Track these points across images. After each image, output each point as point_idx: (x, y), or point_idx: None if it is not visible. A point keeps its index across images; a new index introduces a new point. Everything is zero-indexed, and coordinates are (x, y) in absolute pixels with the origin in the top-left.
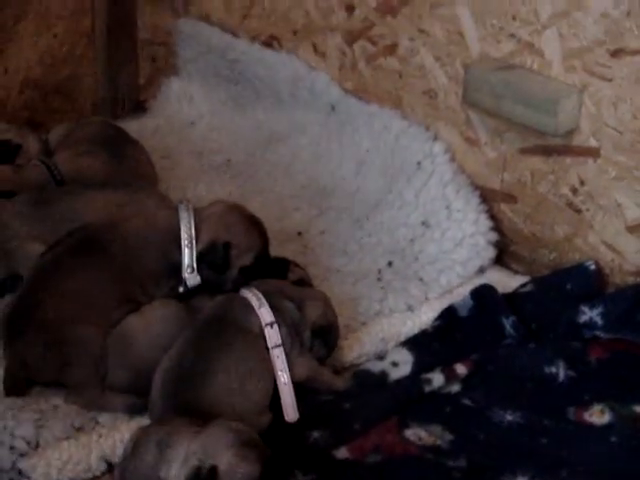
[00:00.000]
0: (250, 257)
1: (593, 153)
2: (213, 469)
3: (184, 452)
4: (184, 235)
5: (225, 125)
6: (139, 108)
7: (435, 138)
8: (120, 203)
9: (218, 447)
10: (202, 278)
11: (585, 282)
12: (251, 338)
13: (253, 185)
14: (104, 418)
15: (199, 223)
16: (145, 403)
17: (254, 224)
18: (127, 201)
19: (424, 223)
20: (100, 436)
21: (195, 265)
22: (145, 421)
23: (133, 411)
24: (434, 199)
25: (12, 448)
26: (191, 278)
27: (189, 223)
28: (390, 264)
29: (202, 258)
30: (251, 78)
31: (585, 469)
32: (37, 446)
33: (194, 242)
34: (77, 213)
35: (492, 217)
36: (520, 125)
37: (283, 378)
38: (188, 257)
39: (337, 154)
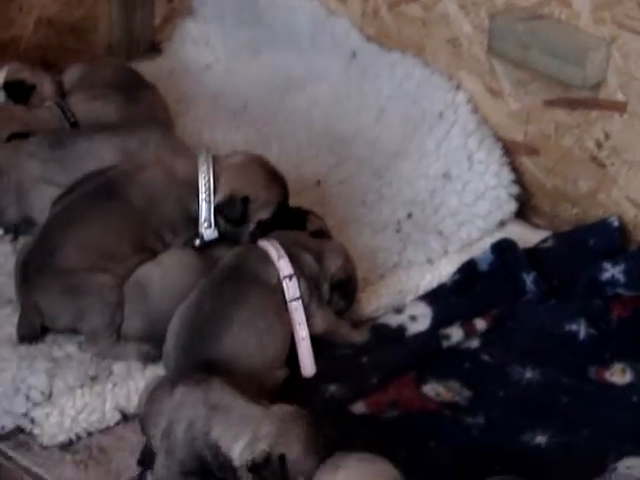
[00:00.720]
0: (268, 211)
1: (620, 107)
2: (282, 457)
3: (251, 433)
4: (202, 188)
5: (242, 69)
6: (154, 50)
7: (458, 87)
8: (135, 148)
9: (291, 436)
10: (219, 230)
11: (608, 238)
12: (269, 291)
13: (270, 132)
14: (118, 367)
15: (218, 174)
16: (160, 353)
17: (275, 178)
18: (143, 146)
19: (445, 175)
20: (114, 385)
21: (213, 220)
22: (159, 371)
23: (147, 360)
24: (456, 150)
25: (26, 397)
26: (208, 232)
27: (208, 175)
28: (410, 216)
29: (220, 210)
30: (270, 21)
31: (606, 429)
32: (50, 395)
33: (212, 196)
34: (92, 157)
35: (514, 170)
36: (546, 76)
37: (301, 332)
38: (206, 211)
39: (357, 102)
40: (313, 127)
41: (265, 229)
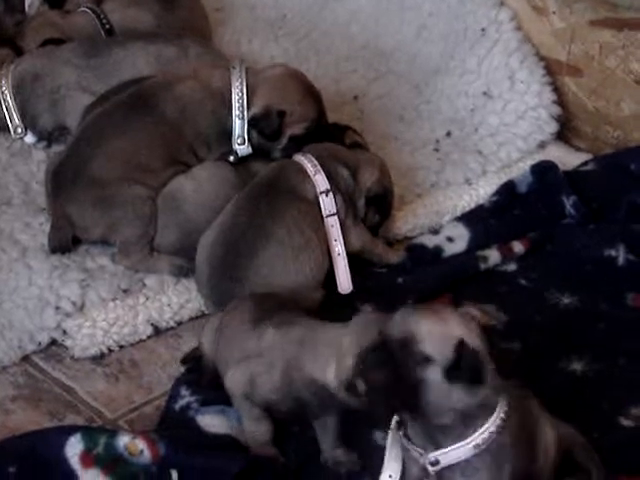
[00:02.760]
0: (302, 127)
1: None
2: None
3: (337, 351)
4: (235, 104)
5: None
6: None
7: (501, 4)
8: (172, 57)
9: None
10: (251, 143)
11: None
12: (305, 206)
13: (309, 44)
14: (151, 281)
15: (254, 86)
16: (192, 267)
17: (311, 93)
18: (180, 55)
19: (486, 93)
20: (147, 299)
21: (246, 136)
22: (191, 285)
23: (179, 274)
24: (497, 68)
25: (57, 308)
26: (242, 149)
27: (241, 88)
28: (449, 134)
29: (254, 124)
30: None
31: None
32: (82, 307)
33: (245, 111)
34: (127, 65)
35: (556, 90)
36: None
37: (337, 248)
38: (239, 128)
39: (397, 16)
40: (352, 41)
41: (297, 144)
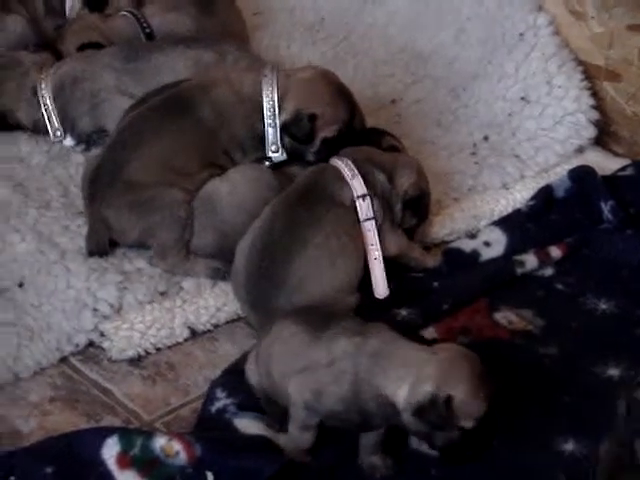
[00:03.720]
0: (334, 129)
1: None
2: (448, 399)
3: (415, 375)
4: (266, 112)
5: None
6: None
7: (540, 9)
8: (211, 62)
9: (457, 377)
10: (287, 148)
11: None
12: (342, 211)
13: (347, 47)
14: (188, 283)
15: (285, 90)
16: (229, 269)
17: (342, 95)
18: (219, 60)
19: (523, 98)
20: (184, 302)
21: (279, 143)
22: (228, 288)
23: (216, 277)
24: (535, 73)
25: (95, 310)
26: (276, 156)
27: (271, 95)
28: (486, 138)
29: (285, 129)
30: None
31: None
32: (120, 309)
33: (277, 117)
34: (167, 70)
35: (594, 95)
36: (631, 0)
37: (374, 252)
38: (272, 135)
39: (436, 20)
40: (390, 44)
41: (330, 147)
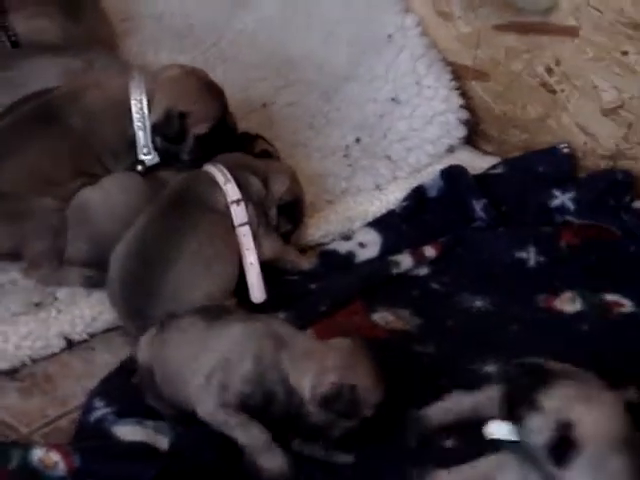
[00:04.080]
0: (206, 126)
1: (571, 32)
2: (353, 388)
3: (318, 366)
4: (135, 114)
5: None
6: None
7: (407, 10)
8: (80, 69)
9: (358, 366)
10: (158, 150)
11: (557, 165)
12: (217, 216)
13: (217, 53)
14: (62, 294)
15: (153, 90)
16: (103, 277)
17: (212, 91)
18: (87, 68)
19: (394, 99)
20: (59, 312)
21: (151, 145)
22: (104, 297)
23: (90, 285)
24: (404, 74)
25: None
26: (148, 159)
27: (140, 97)
28: (358, 140)
29: (156, 129)
30: None
31: (556, 359)
32: None
33: (147, 119)
34: (35, 78)
35: (463, 95)
36: (496, 0)
37: (249, 257)
38: (143, 138)
39: (304, 23)
40: (260, 49)
41: (204, 145)
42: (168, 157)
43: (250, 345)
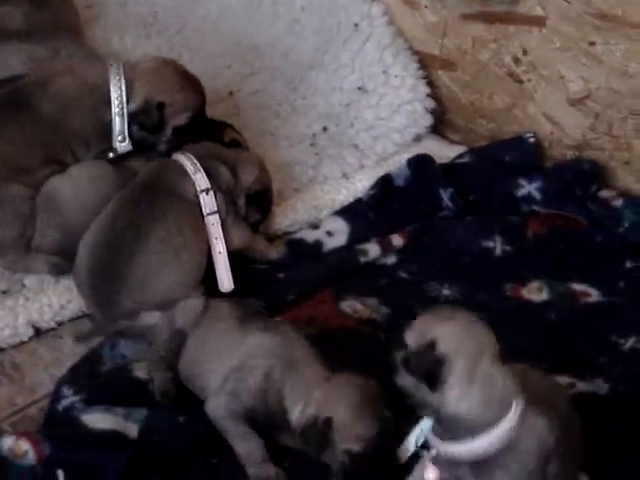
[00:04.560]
0: (185, 117)
1: (539, 22)
2: (328, 421)
3: (306, 396)
4: (114, 100)
5: None
6: None
7: None
8: (45, 56)
9: (338, 400)
10: (134, 138)
11: (524, 154)
12: (186, 205)
13: (181, 40)
14: (30, 281)
15: (132, 80)
16: (69, 265)
17: (190, 81)
18: (53, 54)
19: (360, 88)
20: (27, 300)
21: (127, 132)
22: (72, 285)
23: (56, 272)
24: (371, 63)
25: None
26: (122, 146)
27: (119, 83)
28: (325, 129)
29: (134, 119)
30: None
31: (524, 347)
32: None
33: (125, 108)
34: (0, 65)
35: (430, 84)
36: None
37: (218, 246)
38: (119, 124)
39: (269, 11)
40: (225, 37)
41: (182, 136)
42: (143, 146)
43: (264, 361)
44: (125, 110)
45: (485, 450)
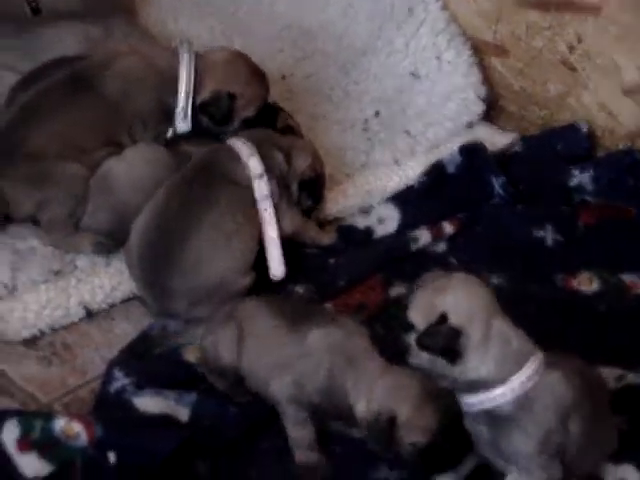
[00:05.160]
0: (253, 109)
1: (594, 10)
2: (392, 419)
3: (370, 391)
4: (183, 79)
5: None
6: None
7: None
8: (100, 36)
9: (399, 394)
10: (202, 127)
11: (576, 144)
12: (239, 190)
13: (234, 23)
14: (82, 262)
15: (202, 70)
16: (114, 244)
17: (259, 74)
18: (108, 34)
19: (413, 73)
20: (79, 281)
21: (190, 111)
22: (123, 267)
23: (101, 252)
24: (424, 49)
25: None
26: (182, 125)
27: (190, 66)
28: (377, 114)
29: (204, 108)
30: None
31: (574, 339)
32: (14, 289)
33: (192, 87)
34: (55, 45)
35: (482, 70)
36: None
37: (270, 232)
38: (183, 101)
39: None
40: (277, 20)
41: (248, 127)
42: (208, 136)
43: (325, 358)
44: (191, 88)
45: (499, 402)
